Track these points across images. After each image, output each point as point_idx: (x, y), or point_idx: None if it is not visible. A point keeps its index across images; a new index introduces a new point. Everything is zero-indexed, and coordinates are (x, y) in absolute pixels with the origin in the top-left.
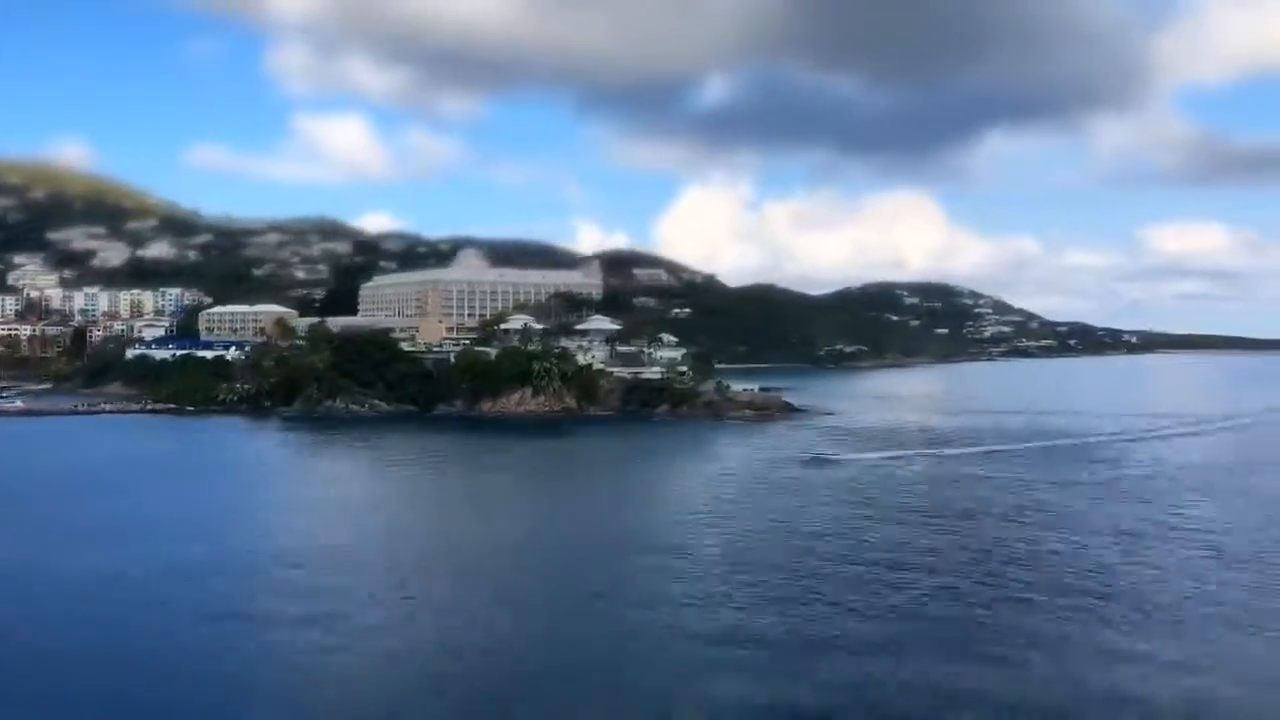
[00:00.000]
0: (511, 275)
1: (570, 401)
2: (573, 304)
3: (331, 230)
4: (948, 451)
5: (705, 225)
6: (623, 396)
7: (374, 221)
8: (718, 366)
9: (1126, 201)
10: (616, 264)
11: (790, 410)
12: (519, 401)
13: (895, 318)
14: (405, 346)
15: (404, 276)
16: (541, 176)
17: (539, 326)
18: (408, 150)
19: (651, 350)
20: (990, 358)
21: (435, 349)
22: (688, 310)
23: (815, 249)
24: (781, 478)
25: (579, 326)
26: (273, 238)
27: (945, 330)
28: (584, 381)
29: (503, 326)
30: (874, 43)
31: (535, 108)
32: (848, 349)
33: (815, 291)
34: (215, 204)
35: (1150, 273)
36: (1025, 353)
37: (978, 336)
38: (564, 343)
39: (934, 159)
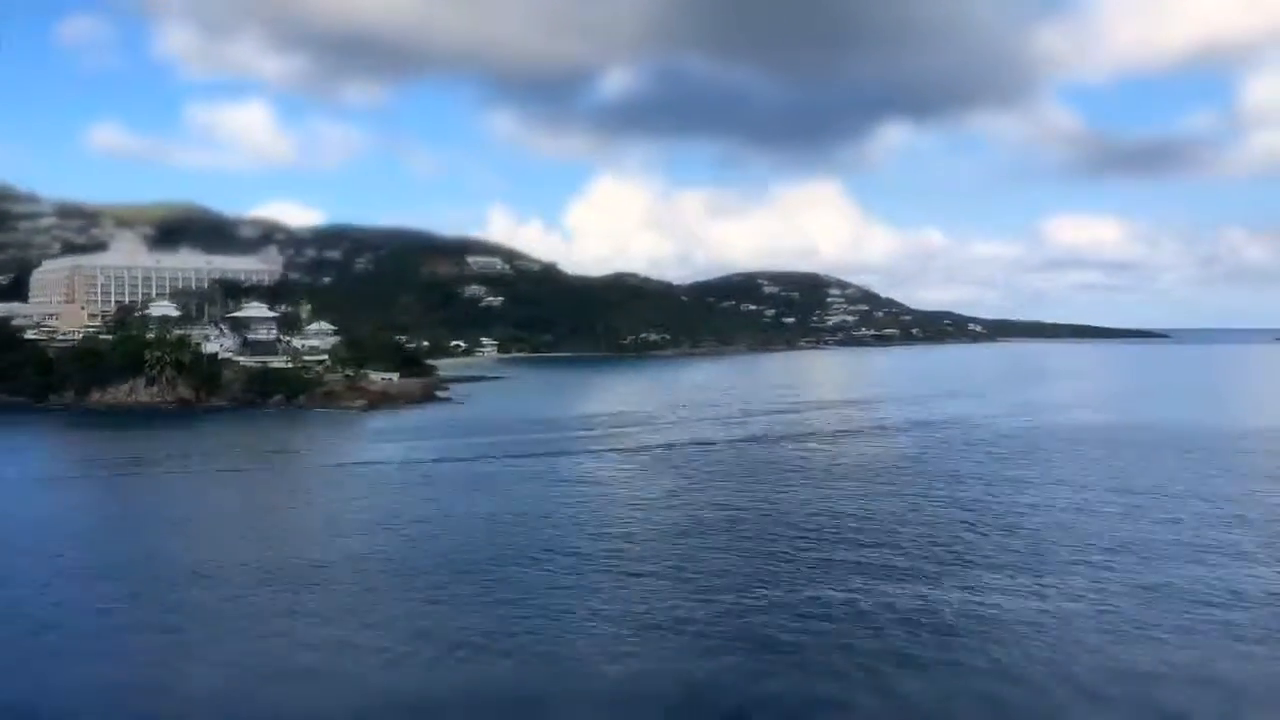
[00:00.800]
0: (170, 261)
1: (186, 392)
2: (234, 291)
3: (186, 219)
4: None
5: (615, 214)
6: (244, 387)
7: (282, 210)
8: (514, 356)
9: (1026, 194)
10: (445, 251)
11: (432, 399)
12: (130, 392)
13: (754, 307)
14: (33, 334)
15: (59, 262)
16: (451, 164)
17: (177, 314)
18: (313, 138)
19: (290, 339)
20: (824, 346)
21: (63, 337)
22: (500, 299)
23: (726, 239)
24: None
25: (235, 314)
26: (46, 221)
27: (793, 319)
28: (203, 371)
29: (144, 314)
30: (770, 36)
31: (441, 96)
32: (652, 337)
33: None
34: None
35: (1051, 264)
36: (861, 341)
37: (820, 325)
38: (194, 331)
39: (839, 151)
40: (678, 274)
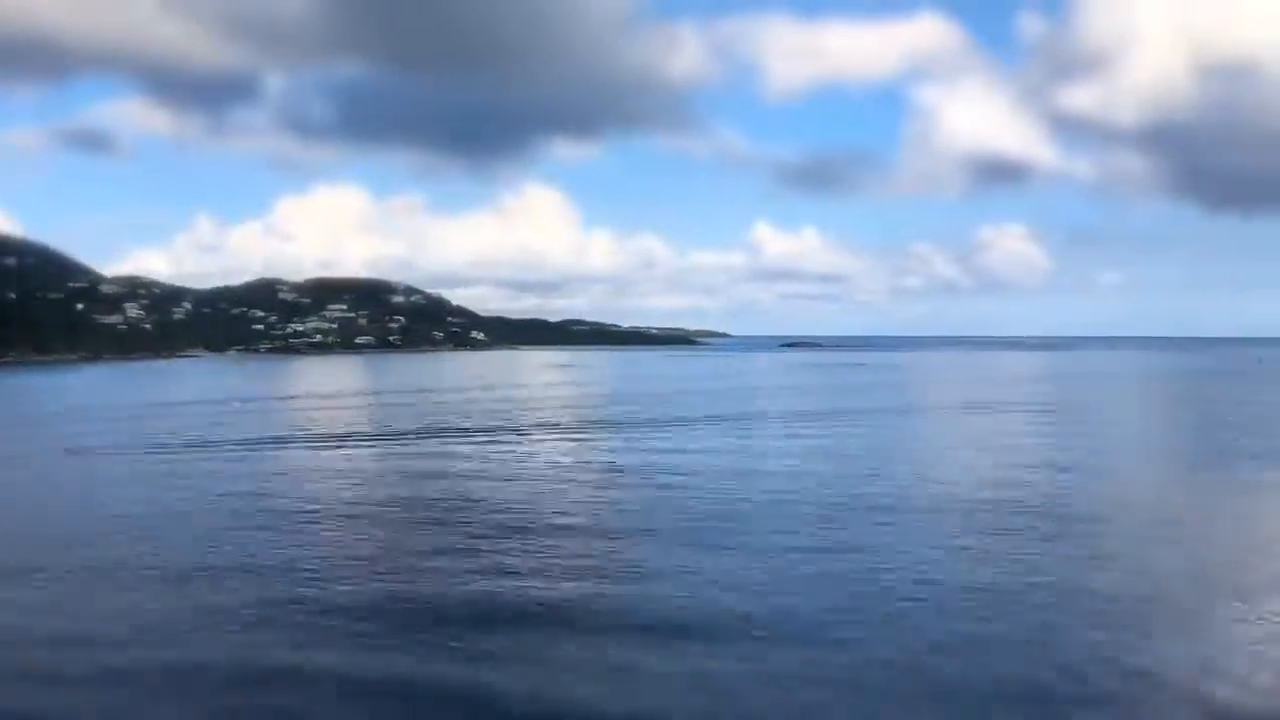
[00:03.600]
0: None
1: None
2: None
3: None
4: None
5: (321, 221)
6: None
7: None
8: None
9: (741, 204)
10: None
11: None
12: None
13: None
14: None
15: None
16: (121, 172)
17: None
18: None
19: None
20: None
21: None
22: None
23: (440, 243)
24: None
25: None
26: None
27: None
28: None
29: None
30: (446, 45)
31: (102, 98)
32: None
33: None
34: None
35: (764, 274)
36: (295, 350)
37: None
38: None
39: (541, 159)
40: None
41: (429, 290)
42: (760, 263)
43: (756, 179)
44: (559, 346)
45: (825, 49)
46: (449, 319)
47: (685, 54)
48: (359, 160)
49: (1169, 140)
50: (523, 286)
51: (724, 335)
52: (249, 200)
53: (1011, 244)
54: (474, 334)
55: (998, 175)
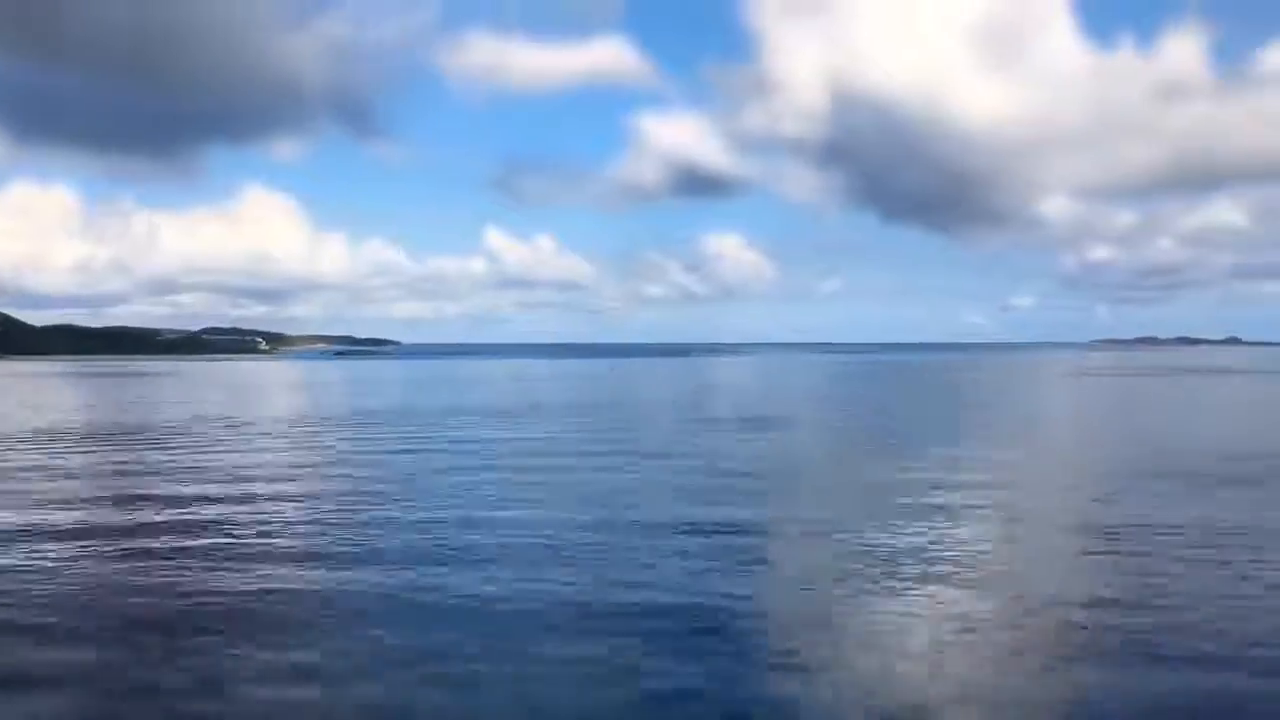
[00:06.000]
0: None
1: None
2: None
3: None
4: None
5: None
6: None
7: None
8: None
9: (472, 210)
10: None
11: None
12: None
13: None
14: None
15: None
16: None
17: None
18: None
19: None
20: None
21: None
22: None
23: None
24: None
25: None
26: None
27: None
28: None
29: None
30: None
31: None
32: None
33: None
34: None
35: (508, 282)
36: None
37: None
38: None
39: (250, 162)
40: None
41: None
42: (501, 270)
43: (470, 187)
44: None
45: (515, 65)
46: None
47: (369, 61)
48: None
49: (846, 159)
50: (246, 294)
51: (395, 343)
52: None
53: (736, 253)
54: None
55: (705, 188)
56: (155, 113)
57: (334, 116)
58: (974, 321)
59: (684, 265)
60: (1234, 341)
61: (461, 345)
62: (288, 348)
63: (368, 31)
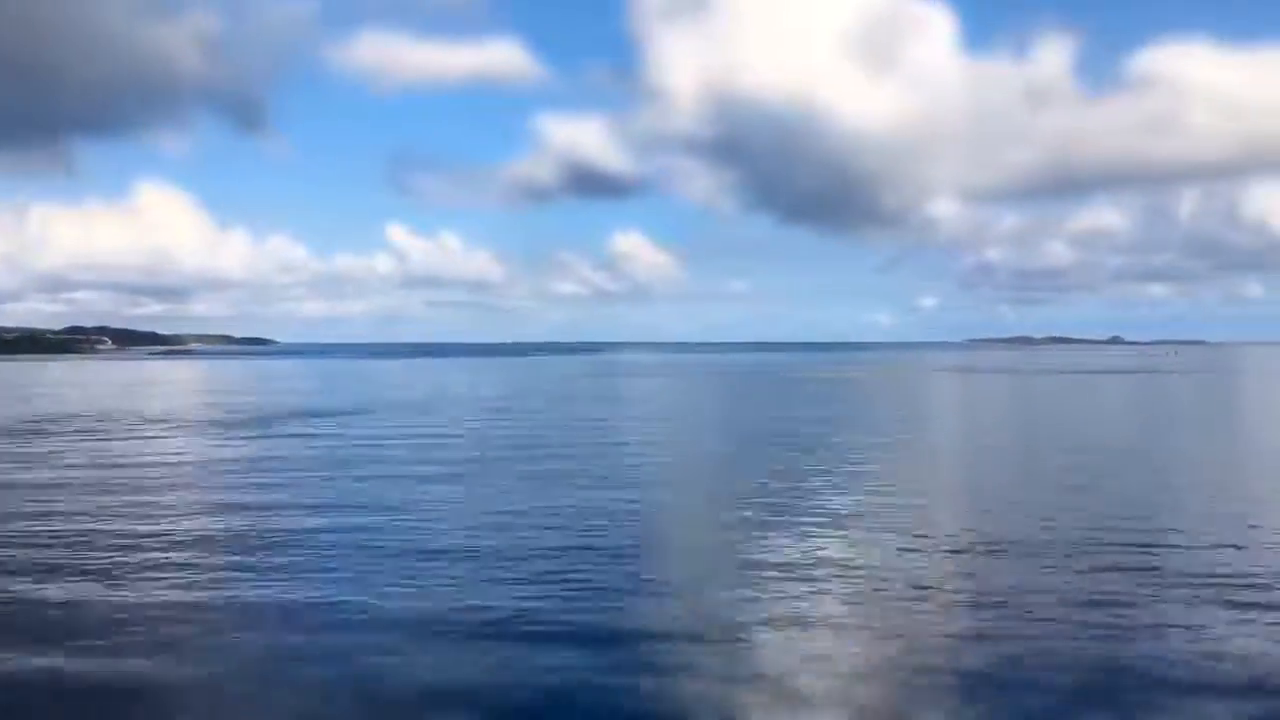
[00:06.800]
0: None
1: None
2: None
3: None
4: None
5: None
6: None
7: None
8: None
9: (371, 206)
10: None
11: None
12: None
13: None
14: None
15: None
16: None
17: None
18: None
19: None
20: None
21: None
22: None
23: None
24: None
25: None
26: None
27: None
28: None
29: None
30: None
31: None
32: None
33: None
34: None
35: (414, 280)
36: None
37: None
38: None
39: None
40: None
41: None
42: (407, 269)
43: (367, 184)
44: None
45: (404, 62)
46: None
47: (253, 51)
48: None
49: (737, 161)
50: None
51: (270, 341)
52: None
53: (643, 253)
54: None
55: (605, 188)
56: (25, 109)
57: (212, 109)
58: (881, 321)
59: (592, 264)
60: (1117, 341)
61: (350, 345)
62: (179, 346)
63: (243, 24)
